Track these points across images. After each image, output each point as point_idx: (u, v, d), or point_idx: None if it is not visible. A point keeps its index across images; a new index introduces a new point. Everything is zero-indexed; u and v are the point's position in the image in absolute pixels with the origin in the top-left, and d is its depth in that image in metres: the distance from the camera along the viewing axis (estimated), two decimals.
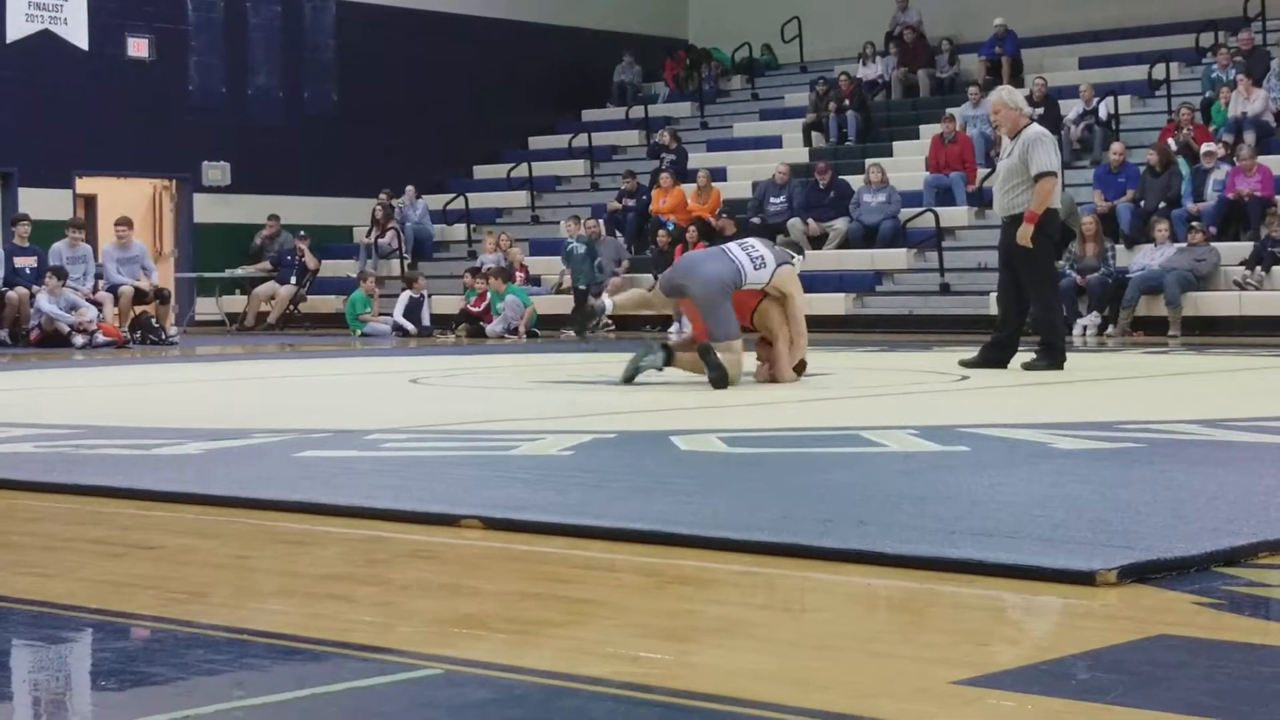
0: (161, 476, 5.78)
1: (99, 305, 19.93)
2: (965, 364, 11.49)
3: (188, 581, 4.02)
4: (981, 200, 22.30)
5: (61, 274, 19.49)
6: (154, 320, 20.34)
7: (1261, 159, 19.91)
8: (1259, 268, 18.42)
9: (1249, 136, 20.76)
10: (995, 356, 11.54)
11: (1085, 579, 3.70)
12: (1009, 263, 11.56)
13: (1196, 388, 10.49)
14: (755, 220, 22.68)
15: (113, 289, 20.32)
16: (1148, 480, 5.36)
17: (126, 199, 25.73)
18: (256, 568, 4.23)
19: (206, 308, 25.70)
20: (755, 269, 10.21)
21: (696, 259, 10.66)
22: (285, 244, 24.99)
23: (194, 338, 22.19)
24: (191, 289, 25.71)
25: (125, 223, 21.24)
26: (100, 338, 19.25)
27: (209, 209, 25.96)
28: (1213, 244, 18.88)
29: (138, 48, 25.32)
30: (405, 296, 22.24)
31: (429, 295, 22.38)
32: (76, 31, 24.60)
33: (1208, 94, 22.40)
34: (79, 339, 19.12)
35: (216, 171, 26.03)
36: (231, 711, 2.77)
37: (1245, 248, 18.91)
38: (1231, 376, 11.69)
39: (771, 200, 22.88)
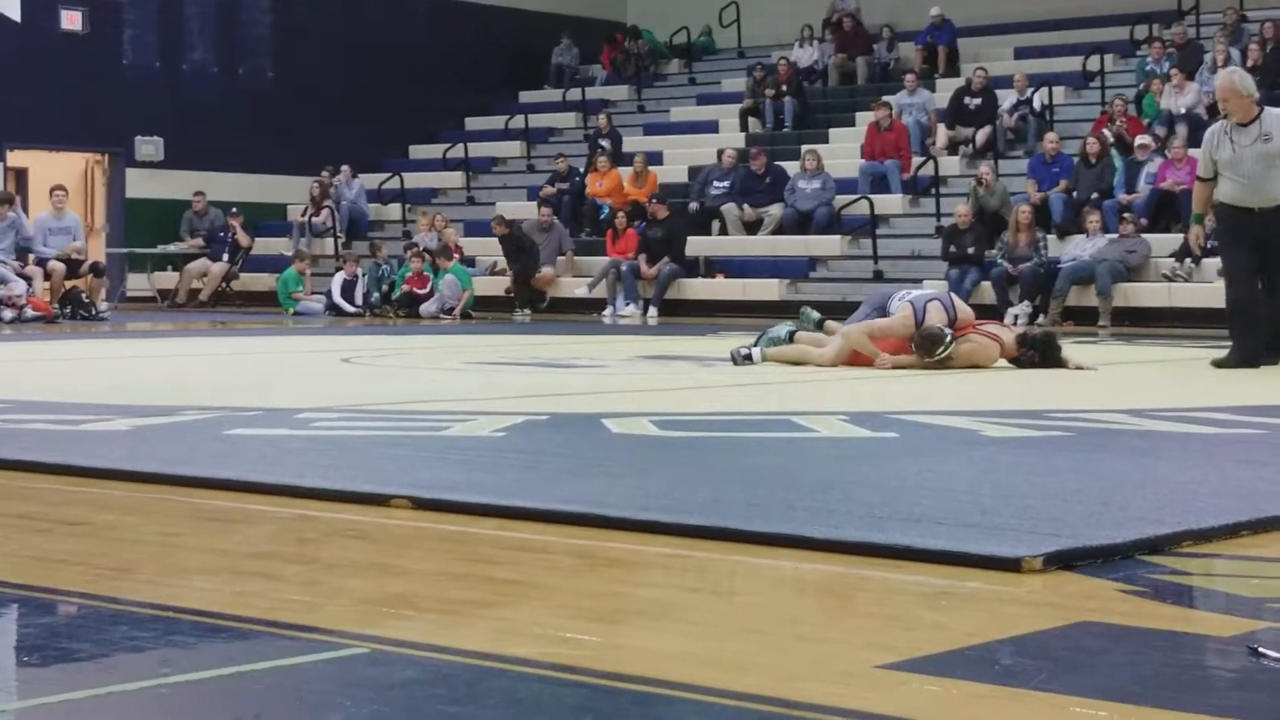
0: (89, 453, 5.74)
1: (28, 279, 19.76)
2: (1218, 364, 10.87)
3: (114, 558, 3.99)
4: (915, 188, 22.41)
5: None
6: (84, 295, 20.18)
7: (1193, 151, 20.05)
8: (1188, 260, 18.56)
9: (1181, 129, 20.92)
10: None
11: (1011, 565, 3.73)
12: (1261, 249, 10.84)
13: (1125, 378, 10.58)
14: (695, 205, 22.70)
15: (42, 263, 20.14)
16: (1075, 468, 5.41)
17: (58, 173, 25.49)
18: (184, 545, 4.21)
19: (138, 284, 25.50)
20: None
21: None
22: (215, 220, 24.82)
23: (125, 314, 22.02)
24: (123, 265, 25.50)
25: (62, 189, 21.10)
26: (29, 312, 19.09)
27: (141, 184, 25.76)
28: (1143, 236, 19.03)
29: (71, 20, 25.07)
30: (339, 277, 22.21)
31: (362, 275, 22.34)
32: (9, 3, 24.32)
33: (1141, 86, 22.57)
34: (7, 313, 18.95)
35: (149, 147, 25.82)
36: (156, 689, 2.75)
37: (1175, 240, 19.05)
38: (1159, 367, 11.79)
39: (715, 184, 22.91)
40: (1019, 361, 10.54)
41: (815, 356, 10.66)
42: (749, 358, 10.82)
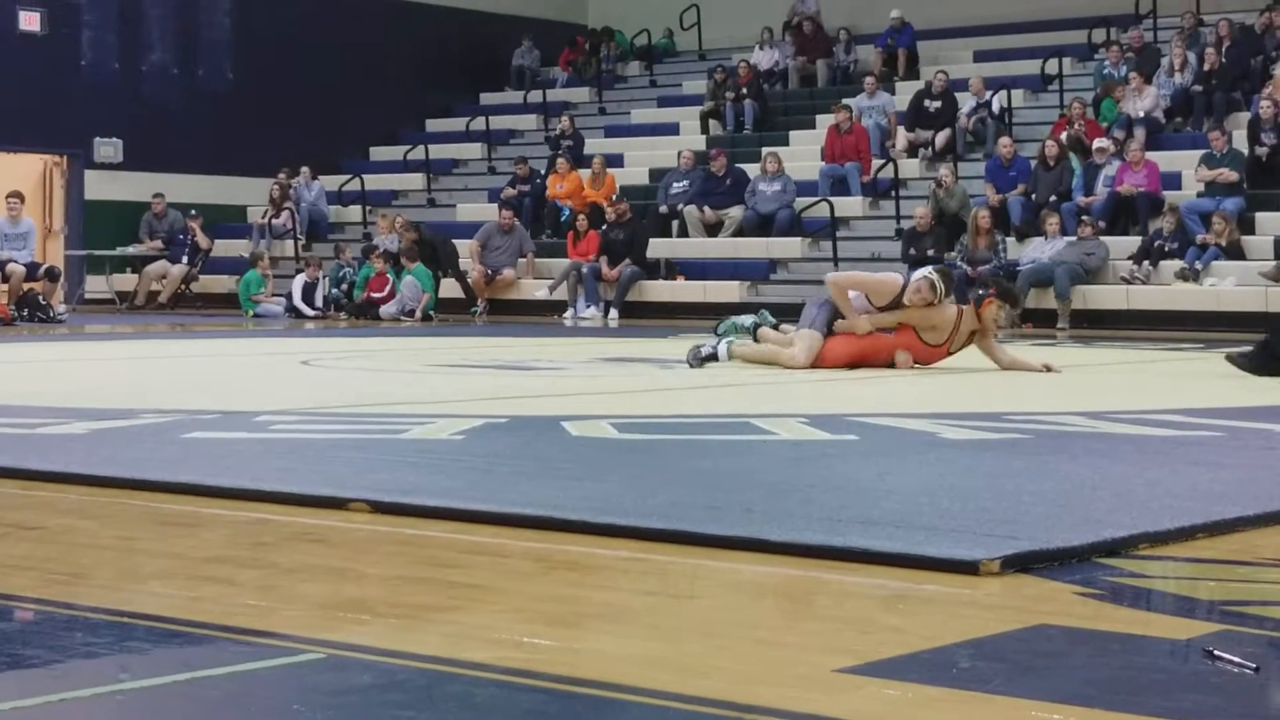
0: (45, 456, 5.71)
1: None
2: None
3: (69, 563, 3.97)
4: (875, 191, 22.46)
5: None
6: (41, 298, 20.07)
7: (1150, 155, 20.17)
8: (1146, 262, 18.66)
9: (1139, 132, 21.02)
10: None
11: (969, 568, 3.74)
12: None
13: (1083, 380, 10.61)
14: (664, 208, 22.68)
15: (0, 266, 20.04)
16: (1032, 471, 5.43)
17: (16, 174, 25.35)
18: (140, 549, 4.19)
19: (97, 286, 25.37)
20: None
21: None
22: (175, 222, 24.71)
23: (83, 316, 21.91)
24: (81, 267, 25.37)
25: (17, 196, 20.99)
26: None
27: (100, 186, 25.63)
28: (1102, 238, 19.11)
29: (29, 21, 24.92)
30: (300, 280, 22.13)
31: (323, 277, 22.28)
32: None
33: (1099, 89, 22.66)
34: None
35: (108, 148, 25.69)
36: (111, 695, 2.74)
37: (1134, 242, 19.15)
38: (1117, 370, 11.84)
39: (674, 185, 22.93)
40: (978, 300, 10.59)
41: (785, 358, 10.57)
42: (713, 356, 10.72)
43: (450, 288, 21.99)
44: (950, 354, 10.64)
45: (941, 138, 22.83)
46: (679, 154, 23.45)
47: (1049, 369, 10.48)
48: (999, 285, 10.87)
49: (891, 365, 10.52)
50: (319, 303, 21.99)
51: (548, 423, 7.08)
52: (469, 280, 22.07)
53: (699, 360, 10.67)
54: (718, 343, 10.91)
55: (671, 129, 26.27)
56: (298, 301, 21.88)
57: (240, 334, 17.41)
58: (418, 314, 20.76)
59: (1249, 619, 3.45)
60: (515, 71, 29.89)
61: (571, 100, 28.58)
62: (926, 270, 10.64)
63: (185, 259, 24.26)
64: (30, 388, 9.37)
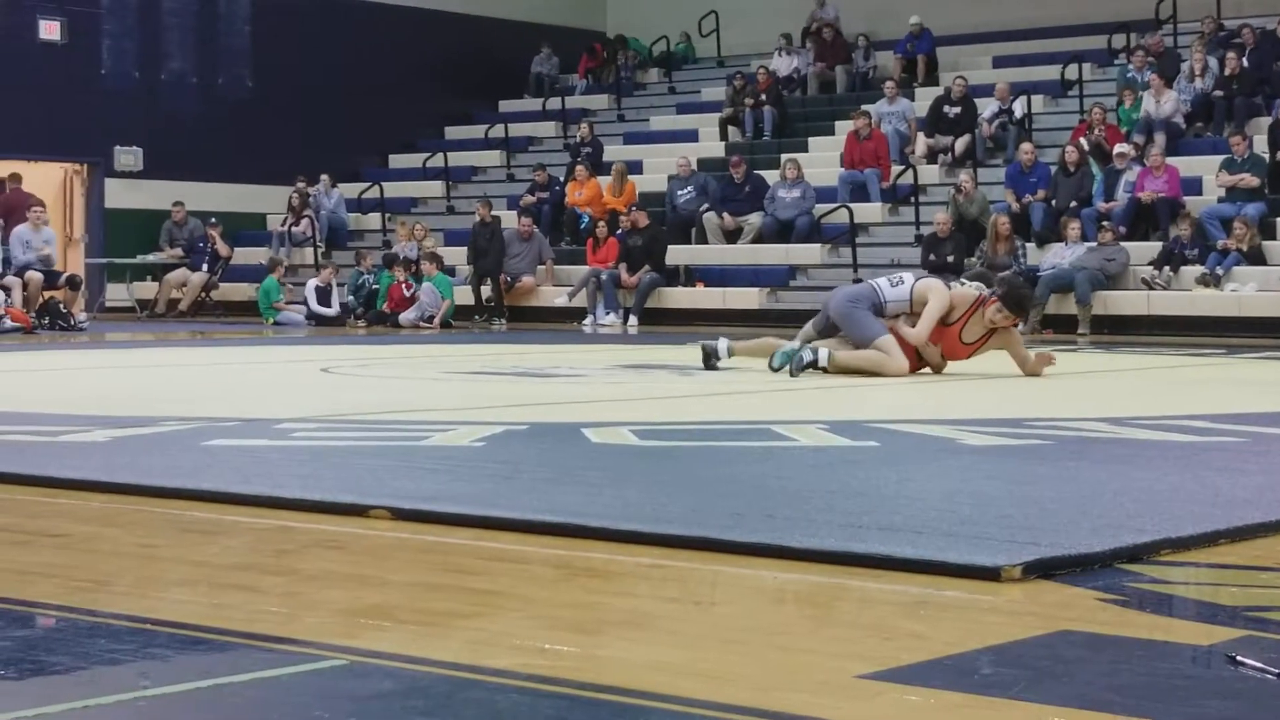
0: (68, 464, 5.72)
1: (7, 290, 19.70)
2: None
3: (92, 570, 3.98)
4: (895, 197, 22.44)
5: None
6: (62, 306, 20.13)
7: (1171, 160, 20.12)
8: (1167, 268, 18.62)
9: (1159, 138, 20.97)
10: None
11: (990, 574, 3.73)
12: None
13: (1104, 386, 10.59)
14: (669, 211, 22.72)
15: (20, 272, 20.09)
16: (1054, 477, 5.42)
17: (37, 182, 25.43)
18: (162, 557, 4.20)
19: (117, 294, 25.42)
20: (892, 287, 10.69)
21: (837, 291, 11.28)
22: (195, 230, 24.76)
23: (104, 324, 21.97)
24: (102, 275, 25.44)
25: (40, 204, 21.08)
26: (7, 323, 19.02)
27: (120, 194, 25.70)
28: (1122, 244, 19.07)
29: (50, 30, 25.00)
30: (313, 284, 22.14)
31: (338, 285, 22.31)
32: None
33: (1120, 95, 22.60)
34: None
35: (128, 156, 25.75)
36: (134, 702, 2.74)
37: (1154, 248, 19.11)
38: (1138, 375, 11.81)
39: (679, 192, 22.94)
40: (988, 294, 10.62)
41: (893, 369, 10.27)
42: (813, 363, 10.38)
43: (473, 294, 22.00)
44: (964, 341, 10.51)
45: (961, 143, 22.80)
46: (677, 161, 23.49)
47: (1047, 361, 10.48)
48: (1011, 294, 10.57)
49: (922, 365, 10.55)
50: (334, 306, 22.01)
51: (568, 429, 7.08)
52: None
53: (800, 368, 10.33)
54: (817, 349, 10.52)
55: (690, 135, 26.27)
56: (314, 306, 21.89)
57: (260, 341, 17.44)
58: (437, 321, 20.78)
59: (1272, 625, 3.44)
60: (534, 79, 29.91)
61: (590, 107, 28.60)
62: (988, 291, 10.64)
63: (205, 267, 24.30)
64: (52, 395, 9.40)
